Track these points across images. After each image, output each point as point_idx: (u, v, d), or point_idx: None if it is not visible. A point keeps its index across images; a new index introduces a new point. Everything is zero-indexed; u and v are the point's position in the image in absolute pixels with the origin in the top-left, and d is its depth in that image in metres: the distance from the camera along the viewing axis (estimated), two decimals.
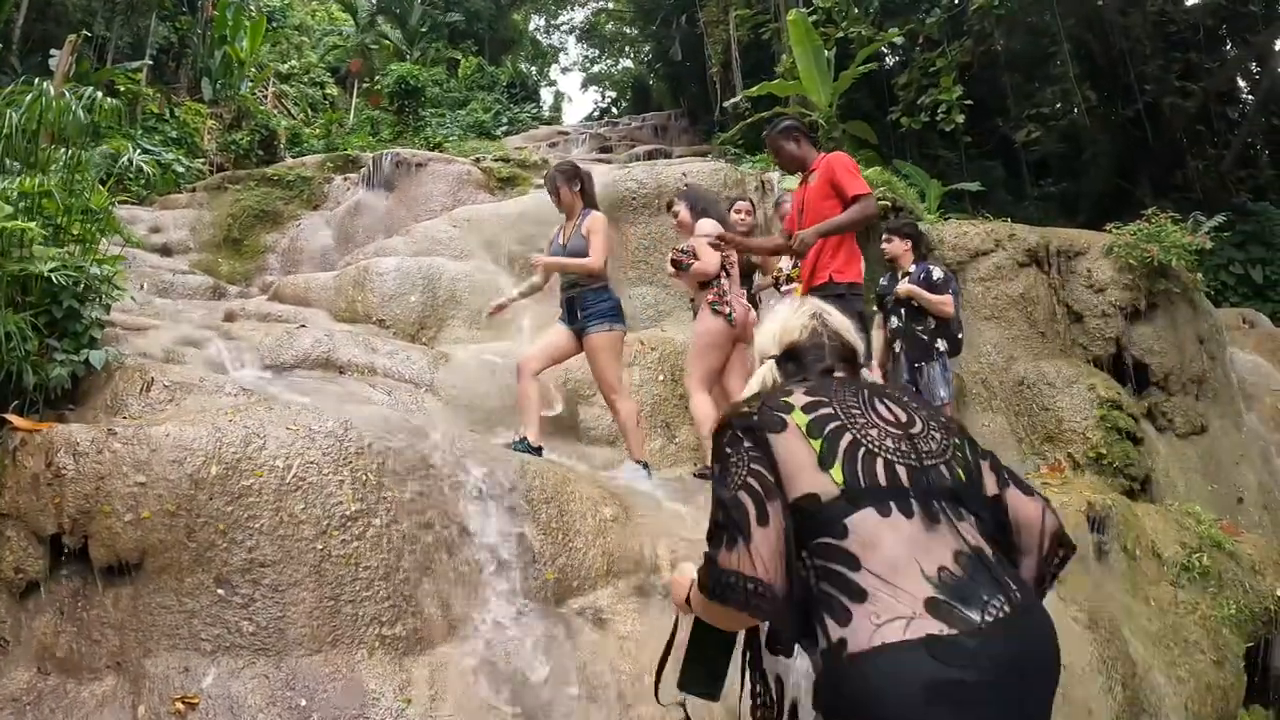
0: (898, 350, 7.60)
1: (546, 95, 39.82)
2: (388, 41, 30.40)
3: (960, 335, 7.79)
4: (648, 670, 4.33)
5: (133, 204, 13.23)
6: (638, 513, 5.42)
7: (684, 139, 26.85)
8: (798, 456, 2.15)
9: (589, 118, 37.36)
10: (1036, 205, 17.75)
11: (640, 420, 6.73)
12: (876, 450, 2.16)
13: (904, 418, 2.28)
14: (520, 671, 4.24)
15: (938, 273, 7.65)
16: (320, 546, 4.17)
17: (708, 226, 6.59)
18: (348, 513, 4.31)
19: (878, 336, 7.81)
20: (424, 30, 30.21)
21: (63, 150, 6.44)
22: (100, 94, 6.52)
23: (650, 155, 20.37)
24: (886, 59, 20.51)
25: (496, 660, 4.26)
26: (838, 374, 2.48)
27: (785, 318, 2.66)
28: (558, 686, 4.21)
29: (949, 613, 1.93)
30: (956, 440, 2.31)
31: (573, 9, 40.68)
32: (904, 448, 2.19)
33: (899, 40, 16.63)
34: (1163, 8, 17.38)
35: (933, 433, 2.27)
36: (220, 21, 20.88)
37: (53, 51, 14.70)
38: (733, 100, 20.24)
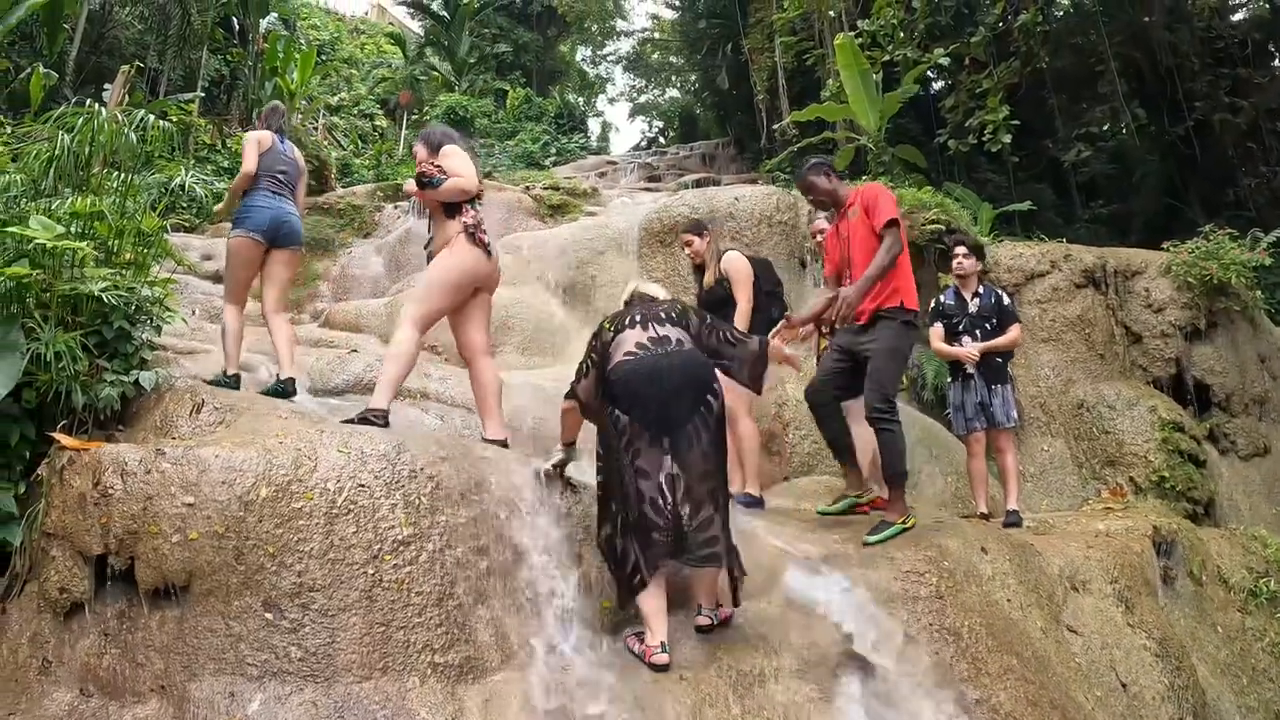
0: (970, 371, 7.44)
1: (594, 125, 39.99)
2: (436, 73, 30.71)
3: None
4: (708, 700, 4.22)
5: (185, 232, 13.38)
6: None
7: (732, 167, 26.86)
8: (605, 335, 4.92)
9: (636, 147, 37.41)
10: (1087, 227, 17.48)
11: (239, 336, 6.65)
12: (627, 315, 4.97)
13: (651, 303, 5.10)
14: (576, 702, 4.11)
15: (1006, 298, 7.58)
16: (371, 571, 4.07)
17: (456, 149, 5.91)
18: (400, 537, 4.20)
19: (943, 347, 7.65)
20: (472, 62, 30.50)
21: (115, 174, 6.47)
22: (152, 118, 6.52)
23: (699, 184, 20.36)
24: (934, 83, 20.38)
25: (551, 690, 4.13)
26: (638, 304, 5.12)
27: (625, 290, 5.45)
28: (614, 718, 4.07)
29: (633, 354, 4.71)
30: (679, 307, 5.07)
31: (619, 39, 40.90)
32: (641, 310, 4.98)
33: (945, 62, 16.47)
34: (1209, 23, 17.08)
35: (664, 305, 5.07)
36: (271, 54, 21.19)
37: (106, 86, 14.97)
38: (780, 125, 20.16)
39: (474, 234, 5.72)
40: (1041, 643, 5.29)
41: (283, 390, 6.47)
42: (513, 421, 7.08)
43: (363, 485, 4.29)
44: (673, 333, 4.84)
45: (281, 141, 6.99)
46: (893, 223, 5.80)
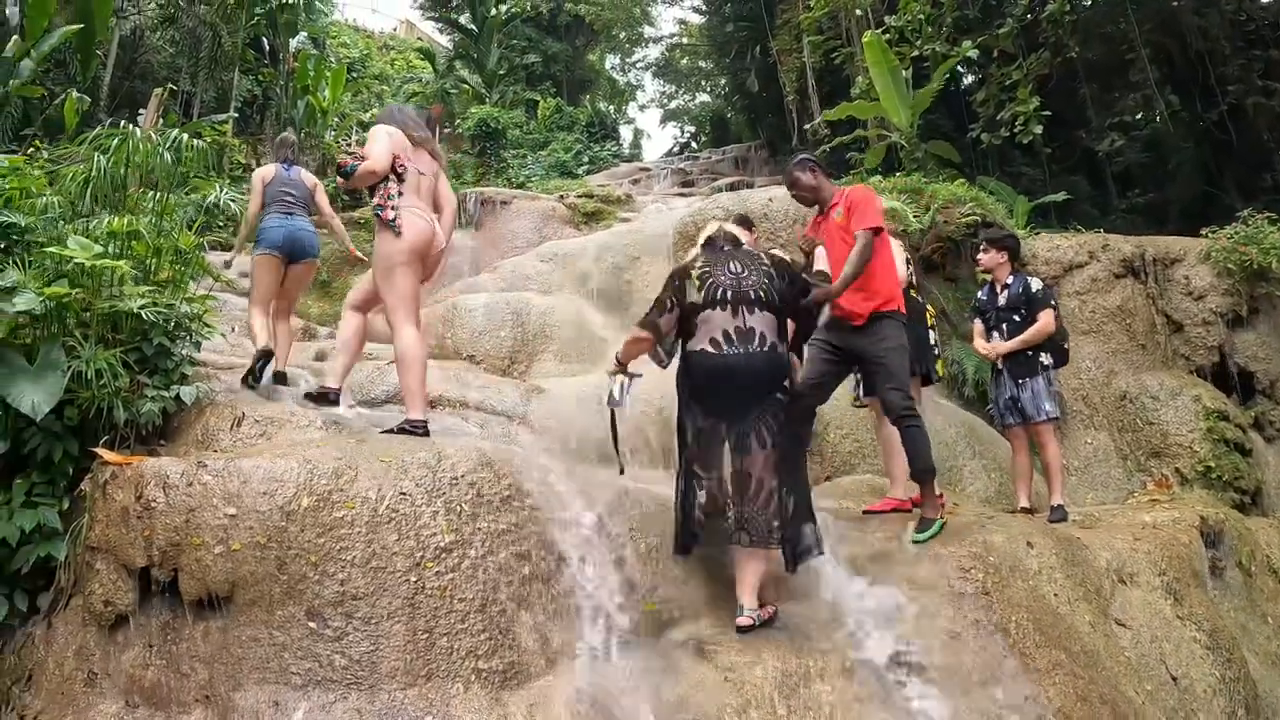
0: (1000, 367, 7.37)
1: (626, 133, 39.71)
2: (467, 86, 30.77)
3: (1066, 345, 7.52)
4: (753, 702, 4.17)
5: (223, 249, 13.45)
6: None
7: (765, 170, 26.62)
8: (690, 288, 5.08)
9: (669, 153, 37.10)
10: (1123, 217, 17.22)
11: (264, 327, 7.17)
12: (719, 284, 5.03)
13: (740, 269, 5.11)
14: (620, 705, 4.08)
15: (1036, 284, 7.41)
16: (414, 579, 4.07)
17: (380, 131, 5.95)
18: (442, 544, 4.20)
19: (980, 345, 7.60)
20: (501, 73, 30.50)
21: (150, 194, 6.54)
22: (186, 136, 6.59)
23: (732, 187, 20.21)
24: (964, 79, 20.19)
25: (596, 694, 4.10)
26: (725, 248, 5.28)
27: (708, 228, 5.49)
28: None
29: (717, 346, 4.89)
30: (768, 279, 5.10)
31: (647, 46, 40.77)
32: (732, 283, 5.03)
33: (974, 55, 16.29)
34: (1239, 6, 16.77)
35: (753, 275, 5.08)
36: (302, 73, 21.31)
37: (140, 110, 15.15)
38: (811, 125, 20.04)
39: (379, 214, 5.74)
40: (1090, 637, 5.20)
41: (278, 377, 7.08)
42: (554, 429, 7.11)
43: (404, 494, 4.30)
44: (759, 323, 4.98)
45: (288, 169, 7.67)
46: (876, 230, 5.74)
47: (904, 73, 15.82)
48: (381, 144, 5.80)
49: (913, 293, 6.99)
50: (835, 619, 4.82)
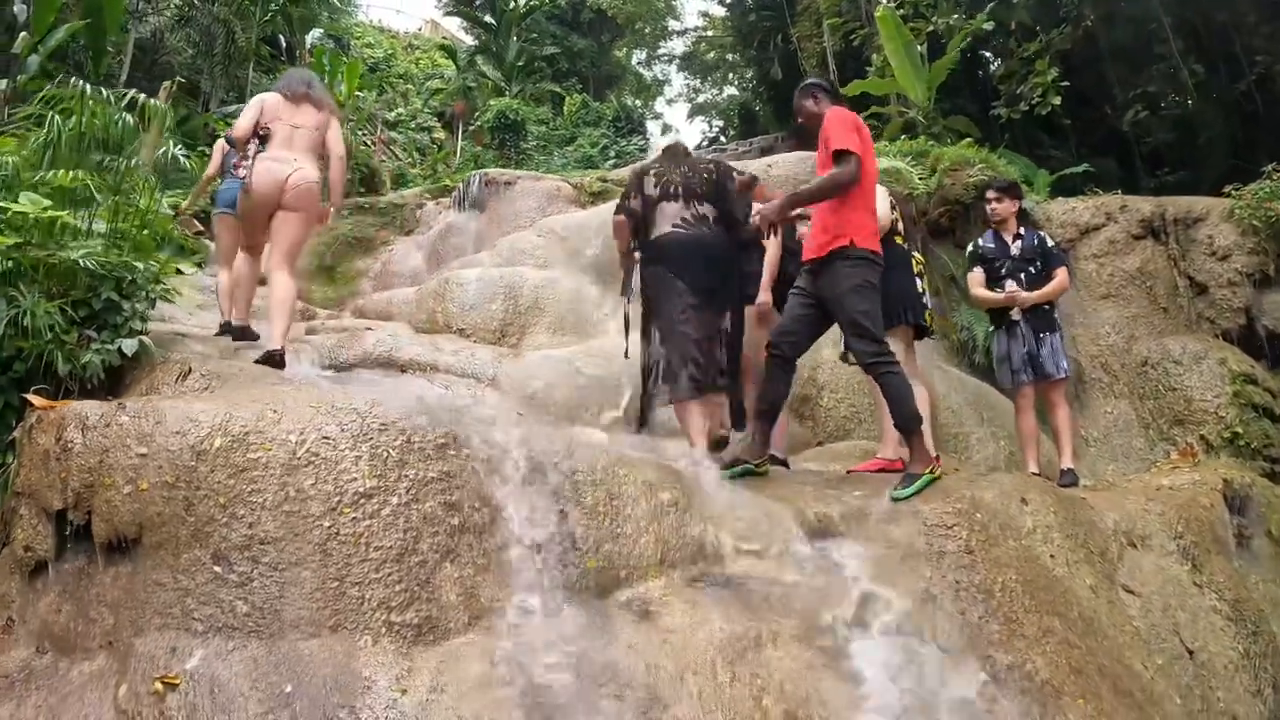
0: (1016, 318, 7.04)
1: (654, 128, 39.53)
2: (487, 80, 30.75)
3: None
4: (692, 668, 3.84)
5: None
6: (701, 497, 4.94)
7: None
8: (649, 184, 6.31)
9: (697, 147, 36.89)
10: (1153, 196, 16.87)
11: (229, 293, 7.59)
12: (671, 181, 6.23)
13: (689, 170, 6.28)
14: (543, 668, 3.78)
15: (1050, 240, 7.30)
16: (328, 524, 3.83)
17: (251, 102, 6.65)
18: (361, 489, 3.96)
19: (983, 294, 7.32)
20: (520, 65, 30.49)
21: (112, 156, 6.53)
22: (143, 97, 6.58)
23: None
24: (991, 65, 19.89)
25: (516, 654, 3.82)
26: (675, 154, 6.47)
27: (667, 139, 7.33)
28: (582, 684, 3.74)
29: (675, 228, 6.12)
30: (707, 176, 6.25)
31: (671, 39, 40.64)
32: (680, 181, 6.22)
33: (989, 27, 16.00)
34: None
35: (697, 176, 6.23)
36: (317, 67, 21.33)
37: None
38: None
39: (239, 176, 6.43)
40: (1091, 603, 4.83)
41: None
42: (524, 391, 6.91)
43: (327, 437, 4.07)
44: (709, 211, 6.18)
45: None
46: (846, 152, 5.28)
47: (918, 48, 15.59)
48: (246, 114, 6.48)
49: (898, 239, 6.66)
50: (797, 581, 4.48)
